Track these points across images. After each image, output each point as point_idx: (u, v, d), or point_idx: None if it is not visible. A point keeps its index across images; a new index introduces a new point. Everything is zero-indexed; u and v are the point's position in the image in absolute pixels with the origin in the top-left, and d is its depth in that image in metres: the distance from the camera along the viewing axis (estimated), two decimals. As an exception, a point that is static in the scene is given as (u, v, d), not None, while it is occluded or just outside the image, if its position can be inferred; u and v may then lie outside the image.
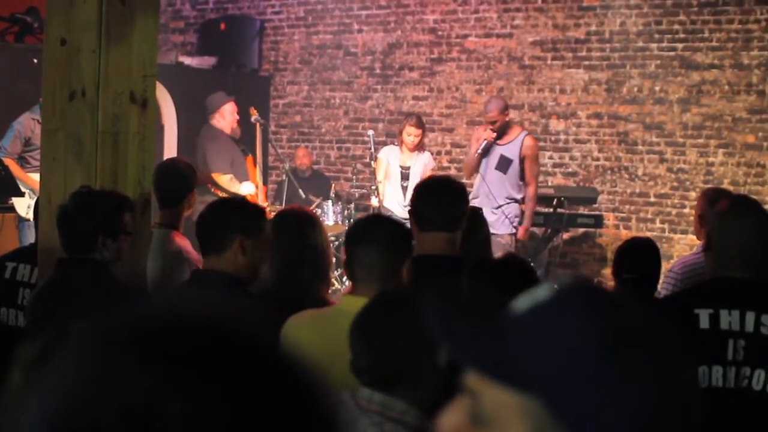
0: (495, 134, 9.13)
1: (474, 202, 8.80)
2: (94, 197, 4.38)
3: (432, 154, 10.96)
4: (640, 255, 5.12)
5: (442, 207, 4.39)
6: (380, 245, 3.61)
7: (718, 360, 3.17)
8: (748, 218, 3.41)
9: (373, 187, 10.02)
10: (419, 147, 10.15)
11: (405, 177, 10.09)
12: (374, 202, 9.99)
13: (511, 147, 9.24)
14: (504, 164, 9.19)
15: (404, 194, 10.06)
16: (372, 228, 3.74)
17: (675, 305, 3.33)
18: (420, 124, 10.16)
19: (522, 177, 9.26)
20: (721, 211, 3.46)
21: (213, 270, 4.03)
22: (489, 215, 8.69)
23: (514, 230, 9.17)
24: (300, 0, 13.25)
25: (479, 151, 9.14)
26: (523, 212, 9.36)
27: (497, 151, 9.18)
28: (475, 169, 9.27)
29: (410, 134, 10.04)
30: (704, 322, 3.18)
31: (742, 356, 3.17)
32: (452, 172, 11.84)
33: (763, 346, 3.18)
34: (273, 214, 5.01)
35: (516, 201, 9.28)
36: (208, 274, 4.09)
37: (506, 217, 9.13)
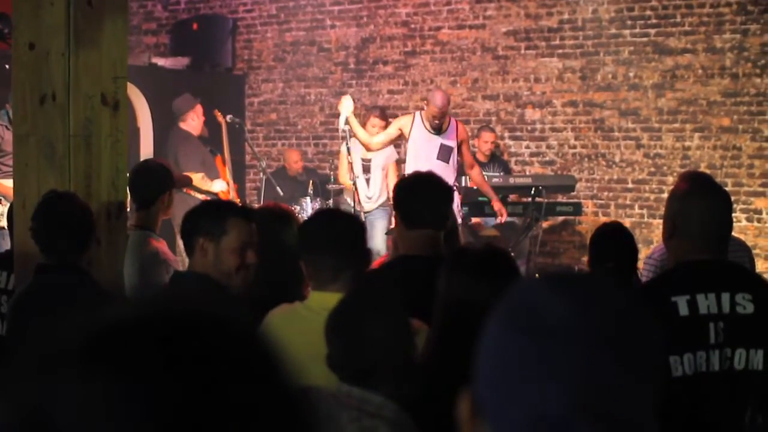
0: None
1: None
2: (78, 202, 4.34)
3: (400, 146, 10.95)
4: (611, 241, 5.15)
5: (430, 204, 4.34)
6: (341, 245, 3.58)
7: (701, 345, 3.17)
8: (710, 199, 3.39)
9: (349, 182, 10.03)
10: None
11: (366, 169, 10.16)
12: (348, 198, 10.03)
13: (449, 134, 9.23)
14: (446, 153, 9.17)
15: (368, 186, 10.20)
16: (329, 225, 3.70)
17: (651, 295, 3.32)
18: (383, 116, 10.27)
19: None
20: (682, 195, 3.42)
21: (191, 272, 4.01)
22: None
23: (461, 220, 9.15)
24: (272, -3, 13.23)
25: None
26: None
27: (437, 141, 9.15)
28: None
29: (374, 126, 10.12)
30: (683, 309, 3.17)
31: (722, 338, 3.17)
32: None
33: (740, 325, 3.19)
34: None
35: (456, 190, 9.34)
36: (186, 276, 4.07)
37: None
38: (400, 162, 10.47)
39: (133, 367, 0.82)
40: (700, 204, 3.34)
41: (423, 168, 9.04)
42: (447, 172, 9.11)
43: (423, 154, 9.02)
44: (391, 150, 10.37)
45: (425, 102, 9.29)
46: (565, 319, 1.15)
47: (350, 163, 9.76)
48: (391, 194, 9.93)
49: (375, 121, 10.16)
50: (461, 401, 1.23)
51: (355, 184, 9.83)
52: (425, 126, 9.10)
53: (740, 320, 3.18)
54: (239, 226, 3.95)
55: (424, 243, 4.23)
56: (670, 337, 3.10)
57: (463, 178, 10.10)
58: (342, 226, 3.67)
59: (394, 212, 4.56)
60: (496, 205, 9.38)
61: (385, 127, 10.10)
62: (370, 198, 10.23)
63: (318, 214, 4.00)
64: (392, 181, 10.19)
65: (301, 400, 0.91)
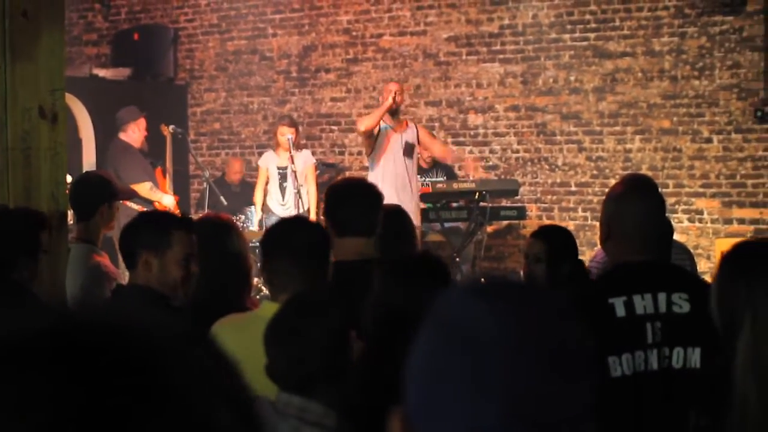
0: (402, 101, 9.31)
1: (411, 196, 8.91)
2: (11, 216, 4.30)
3: (353, 154, 10.99)
4: (542, 243, 5.19)
5: (361, 212, 4.31)
6: (296, 253, 3.56)
7: (639, 345, 3.21)
8: (643, 200, 3.44)
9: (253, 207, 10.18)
10: (297, 146, 10.21)
11: (283, 177, 10.17)
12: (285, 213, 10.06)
13: (409, 133, 9.35)
14: (410, 150, 9.25)
15: (283, 194, 10.29)
16: (287, 235, 3.68)
17: (588, 297, 3.35)
18: (292, 124, 10.34)
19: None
20: (616, 197, 3.47)
21: (133, 285, 3.98)
22: (408, 205, 8.75)
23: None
24: (213, 7, 13.19)
25: (387, 107, 9.22)
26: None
27: (399, 139, 9.22)
28: (377, 125, 9.31)
29: (283, 134, 10.16)
30: (620, 311, 3.21)
31: (660, 337, 3.21)
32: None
33: (677, 324, 3.23)
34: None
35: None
36: (128, 289, 4.04)
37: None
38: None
39: (38, 374, 0.82)
40: (633, 206, 3.38)
41: (382, 167, 9.15)
42: (413, 169, 9.25)
43: (385, 153, 9.22)
44: (307, 155, 10.54)
45: (382, 96, 9.43)
46: (491, 330, 1.16)
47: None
48: (311, 201, 10.03)
49: (284, 129, 10.22)
50: (393, 417, 1.22)
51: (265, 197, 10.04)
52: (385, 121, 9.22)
53: (677, 319, 3.23)
54: (182, 239, 3.93)
55: (355, 250, 4.21)
56: (608, 339, 3.14)
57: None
58: (299, 236, 3.64)
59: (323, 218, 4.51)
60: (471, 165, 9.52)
61: (296, 133, 10.28)
62: (284, 206, 10.22)
63: (278, 223, 3.98)
64: (312, 187, 10.24)
65: (242, 412, 0.91)
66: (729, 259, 2.89)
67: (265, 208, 10.25)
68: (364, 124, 9.31)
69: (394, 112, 9.25)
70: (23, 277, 4.21)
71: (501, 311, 1.19)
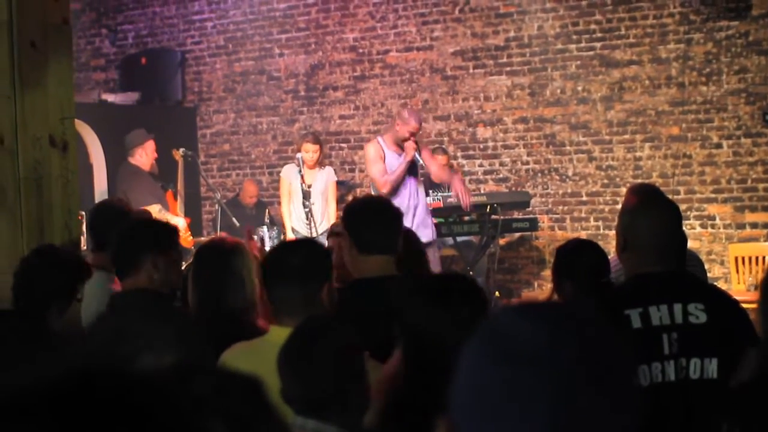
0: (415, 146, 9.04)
1: (412, 220, 8.77)
2: (58, 259, 4.27)
3: (363, 171, 10.96)
4: (584, 257, 5.09)
5: (384, 229, 4.30)
6: (294, 278, 3.55)
7: (656, 356, 3.20)
8: (659, 212, 3.45)
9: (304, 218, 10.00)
10: (319, 163, 10.16)
11: (307, 196, 9.96)
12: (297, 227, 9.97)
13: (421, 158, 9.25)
14: (414, 170, 9.14)
15: (306, 214, 9.98)
16: (284, 260, 3.66)
17: (604, 310, 3.35)
18: (316, 140, 10.17)
19: None
20: (631, 209, 3.48)
21: (134, 289, 3.98)
22: (426, 227, 8.73)
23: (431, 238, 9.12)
24: (219, 29, 13.23)
25: (408, 162, 8.96)
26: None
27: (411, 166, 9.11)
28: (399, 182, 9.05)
29: (308, 151, 10.03)
30: (636, 322, 3.21)
31: (677, 348, 3.21)
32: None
33: (693, 335, 3.23)
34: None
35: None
36: (129, 294, 4.03)
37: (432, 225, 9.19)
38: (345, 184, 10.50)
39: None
40: (648, 218, 3.39)
41: (407, 190, 9.01)
42: (423, 190, 9.14)
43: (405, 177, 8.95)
44: (330, 172, 10.34)
45: (397, 123, 9.01)
46: (539, 346, 1.17)
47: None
48: (331, 218, 9.92)
49: (308, 146, 10.08)
50: (438, 429, 1.24)
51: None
52: (392, 149, 9.00)
53: (693, 330, 3.22)
54: (178, 242, 4.19)
55: (379, 267, 4.21)
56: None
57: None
58: (294, 261, 3.63)
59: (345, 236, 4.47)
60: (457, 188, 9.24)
61: (320, 150, 10.13)
62: (308, 224, 10.05)
63: (277, 248, 3.97)
64: (332, 204, 10.16)
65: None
66: None
67: (295, 233, 10.01)
68: (390, 186, 8.94)
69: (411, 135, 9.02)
70: (52, 319, 4.19)
71: (552, 328, 1.20)
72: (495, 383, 1.17)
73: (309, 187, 9.97)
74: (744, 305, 3.47)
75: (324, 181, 10.16)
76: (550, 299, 5.06)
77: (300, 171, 9.91)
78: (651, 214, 3.40)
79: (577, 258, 5.06)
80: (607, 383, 1.18)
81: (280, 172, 10.79)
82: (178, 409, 0.89)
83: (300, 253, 3.71)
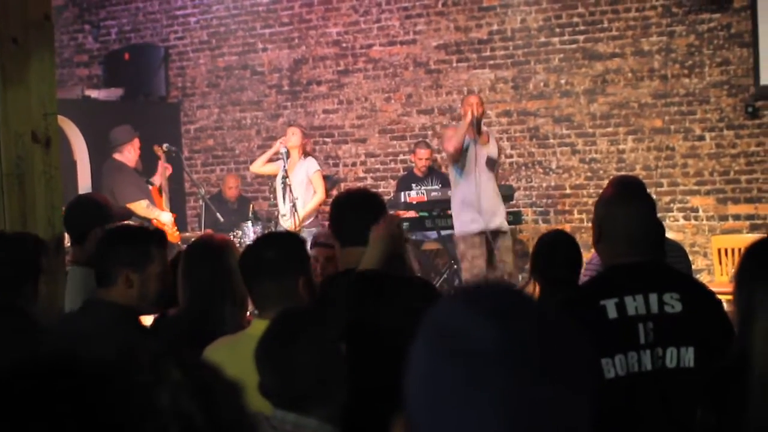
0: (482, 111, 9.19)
1: (460, 207, 8.89)
2: (9, 241, 4.30)
3: (348, 166, 10.99)
4: (560, 251, 5.16)
5: (357, 221, 4.31)
6: (270, 272, 3.57)
7: (632, 346, 3.23)
8: (634, 203, 3.48)
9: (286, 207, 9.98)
10: (303, 153, 10.21)
11: (284, 188, 9.99)
12: (285, 224, 9.94)
13: (491, 147, 9.25)
14: (492, 165, 9.19)
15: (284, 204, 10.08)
16: (259, 254, 3.67)
17: (581, 300, 3.39)
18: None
19: None
20: (607, 200, 3.51)
21: (103, 300, 3.95)
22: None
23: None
24: (202, 24, 13.23)
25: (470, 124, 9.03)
26: None
27: (482, 152, 9.13)
28: (462, 141, 9.04)
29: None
30: (612, 312, 3.23)
31: (653, 338, 3.23)
32: (369, 182, 11.89)
33: (669, 324, 3.25)
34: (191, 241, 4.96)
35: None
36: (98, 304, 4.01)
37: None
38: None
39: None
40: (622, 208, 3.42)
41: (464, 178, 9.06)
42: (492, 182, 9.20)
43: (469, 164, 9.09)
44: (309, 163, 10.31)
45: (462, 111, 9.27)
46: (488, 340, 1.17)
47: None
48: (308, 208, 9.94)
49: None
50: (396, 425, 1.24)
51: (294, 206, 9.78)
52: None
53: (669, 319, 3.25)
54: (160, 253, 3.98)
55: (354, 260, 4.21)
56: (600, 341, 3.16)
57: (402, 194, 10.12)
58: (274, 253, 3.64)
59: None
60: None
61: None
62: (284, 216, 10.04)
63: (255, 242, 3.98)
64: (319, 195, 10.13)
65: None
66: (752, 253, 2.94)
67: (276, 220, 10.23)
68: (452, 146, 9.01)
69: (476, 125, 9.07)
70: (27, 300, 4.22)
71: (500, 320, 1.20)
72: (447, 379, 1.17)
73: (288, 179, 9.91)
74: (727, 296, 3.49)
75: (304, 172, 10.13)
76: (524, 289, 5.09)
77: (285, 166, 9.94)
78: (625, 206, 3.43)
79: (553, 250, 5.13)
80: (559, 369, 1.18)
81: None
82: (125, 395, 0.92)
83: (274, 247, 3.72)
